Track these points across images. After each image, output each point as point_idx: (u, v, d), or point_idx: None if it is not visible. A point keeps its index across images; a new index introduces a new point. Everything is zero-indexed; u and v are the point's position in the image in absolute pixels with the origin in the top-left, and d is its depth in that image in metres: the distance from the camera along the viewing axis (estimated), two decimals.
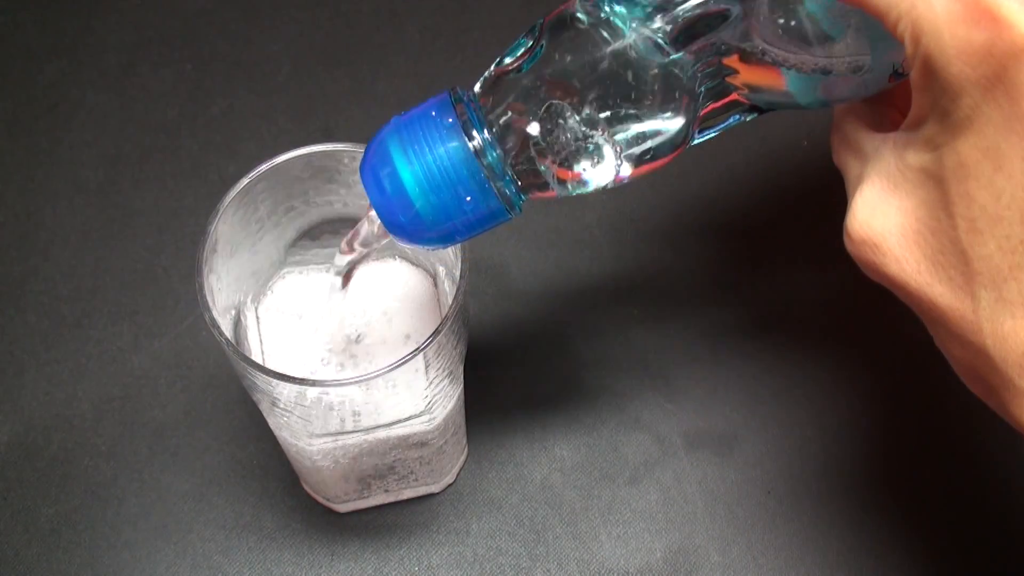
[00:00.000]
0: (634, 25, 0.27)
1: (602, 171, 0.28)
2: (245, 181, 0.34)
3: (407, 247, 0.30)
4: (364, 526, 0.42)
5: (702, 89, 0.28)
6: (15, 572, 0.41)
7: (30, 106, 0.52)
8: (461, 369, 0.37)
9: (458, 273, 0.33)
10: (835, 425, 0.44)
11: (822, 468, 0.43)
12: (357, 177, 0.29)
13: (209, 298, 0.32)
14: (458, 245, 0.32)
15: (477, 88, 0.28)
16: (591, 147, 0.27)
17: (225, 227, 0.34)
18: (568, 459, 0.43)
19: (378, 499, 0.42)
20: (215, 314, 0.32)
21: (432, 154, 0.27)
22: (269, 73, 0.54)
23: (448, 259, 0.37)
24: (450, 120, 0.27)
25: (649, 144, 0.28)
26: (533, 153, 0.27)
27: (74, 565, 0.41)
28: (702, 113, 0.28)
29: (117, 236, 0.49)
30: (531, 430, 0.44)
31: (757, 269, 0.48)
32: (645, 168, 0.28)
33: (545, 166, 0.28)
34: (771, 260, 0.48)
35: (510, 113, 0.27)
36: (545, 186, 0.28)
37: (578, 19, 0.27)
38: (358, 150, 0.34)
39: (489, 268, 0.47)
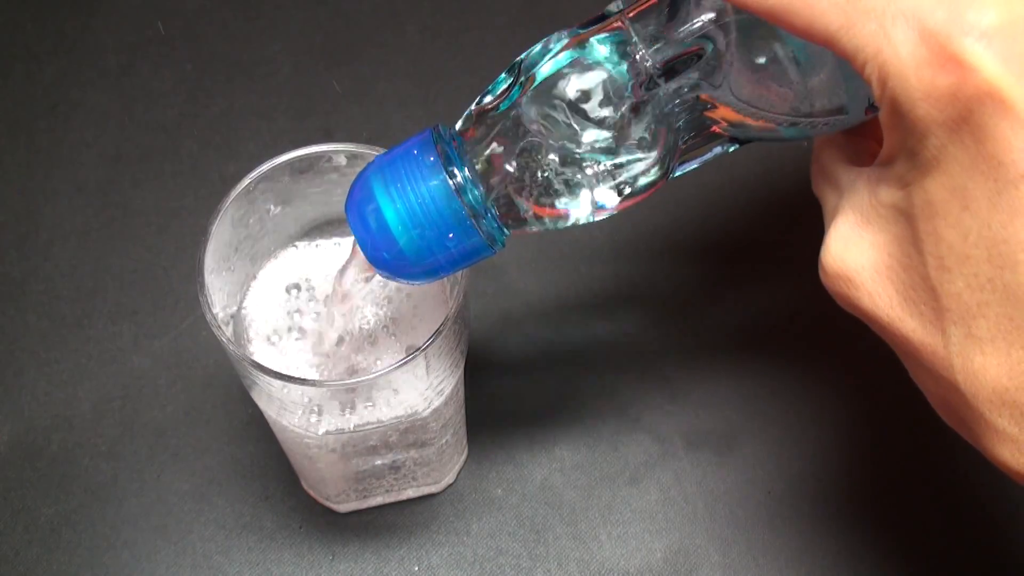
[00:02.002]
0: (611, 64, 0.27)
1: (580, 207, 0.28)
2: (245, 181, 0.34)
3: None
4: (364, 526, 0.42)
5: (680, 123, 0.28)
6: (15, 572, 0.41)
7: (30, 106, 0.52)
8: (461, 369, 0.37)
9: (458, 274, 0.33)
10: (835, 425, 0.44)
11: (822, 468, 0.43)
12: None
13: (209, 298, 0.32)
14: None
15: (459, 126, 0.29)
16: (568, 184, 0.28)
17: (225, 227, 0.34)
18: (568, 459, 0.43)
19: (378, 499, 0.42)
20: (215, 314, 0.32)
21: (414, 192, 0.28)
22: (269, 73, 0.54)
23: None
24: (431, 159, 0.28)
25: (627, 180, 0.28)
26: (512, 190, 0.28)
27: (74, 565, 0.41)
28: (682, 146, 0.29)
29: (117, 236, 0.49)
30: (531, 430, 0.44)
31: (758, 270, 0.48)
32: (626, 203, 0.29)
33: (524, 203, 0.28)
34: (772, 261, 0.48)
35: (489, 151, 0.28)
36: (525, 222, 0.29)
37: (555, 61, 0.27)
38: (358, 150, 0.34)
39: (489, 268, 0.47)
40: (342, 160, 0.34)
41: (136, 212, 0.49)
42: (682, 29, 0.27)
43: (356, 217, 0.29)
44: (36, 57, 0.54)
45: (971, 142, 0.22)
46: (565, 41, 0.28)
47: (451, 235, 0.28)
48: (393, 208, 0.28)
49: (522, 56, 0.28)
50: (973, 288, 0.23)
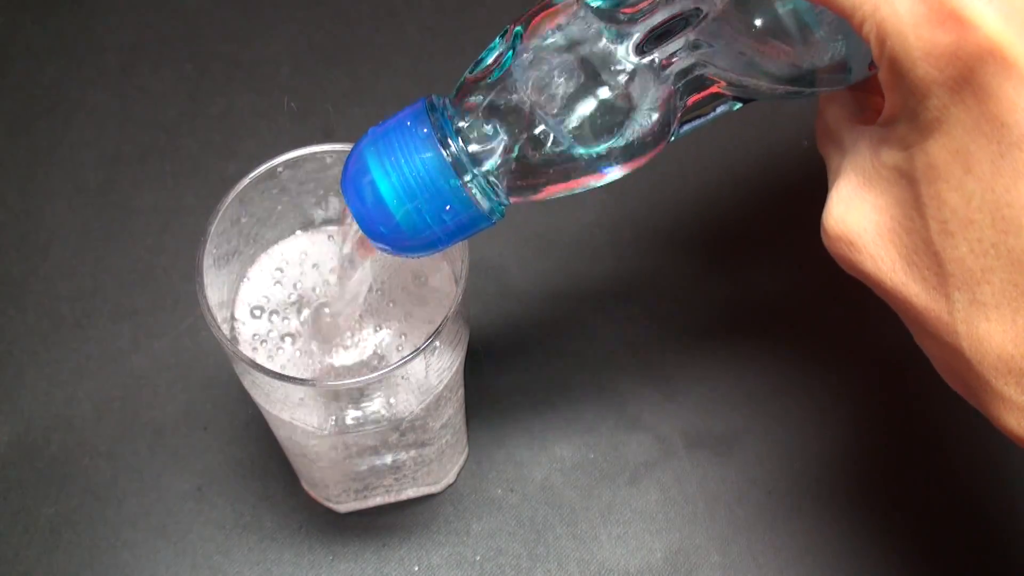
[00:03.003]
0: (605, 26, 0.27)
1: (580, 174, 0.28)
2: (245, 181, 0.34)
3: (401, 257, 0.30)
4: (364, 526, 0.42)
5: (680, 84, 0.27)
6: (15, 572, 0.41)
7: (30, 106, 0.52)
8: (461, 369, 0.37)
9: (458, 273, 0.33)
10: (835, 425, 0.44)
11: (822, 468, 0.43)
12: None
13: (209, 298, 0.32)
14: (460, 245, 0.32)
15: (452, 95, 0.28)
16: (566, 152, 0.27)
17: (225, 227, 0.34)
18: (568, 459, 0.43)
19: (378, 499, 0.42)
20: (215, 314, 0.32)
21: (408, 165, 0.27)
22: (269, 73, 0.54)
23: (451, 259, 0.37)
24: (425, 130, 0.27)
25: (627, 144, 0.27)
26: (509, 159, 0.27)
27: (74, 565, 0.41)
28: (684, 106, 0.28)
29: (117, 236, 0.49)
30: (531, 430, 0.44)
31: (758, 269, 0.48)
32: (628, 165, 0.28)
33: (522, 172, 0.28)
34: (772, 260, 0.48)
35: (484, 120, 0.27)
36: (525, 190, 0.28)
37: (549, 26, 0.27)
38: None
39: (489, 268, 0.47)
40: (342, 160, 0.34)
41: (136, 212, 0.49)
42: None
43: (351, 191, 0.28)
44: (36, 57, 0.54)
45: (973, 103, 0.22)
46: (556, 5, 0.27)
47: (448, 207, 0.27)
48: (388, 181, 0.27)
49: (515, 19, 0.28)
50: (977, 253, 0.23)
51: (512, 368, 0.45)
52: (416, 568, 0.41)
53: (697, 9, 0.26)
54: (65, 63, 0.54)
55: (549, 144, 0.27)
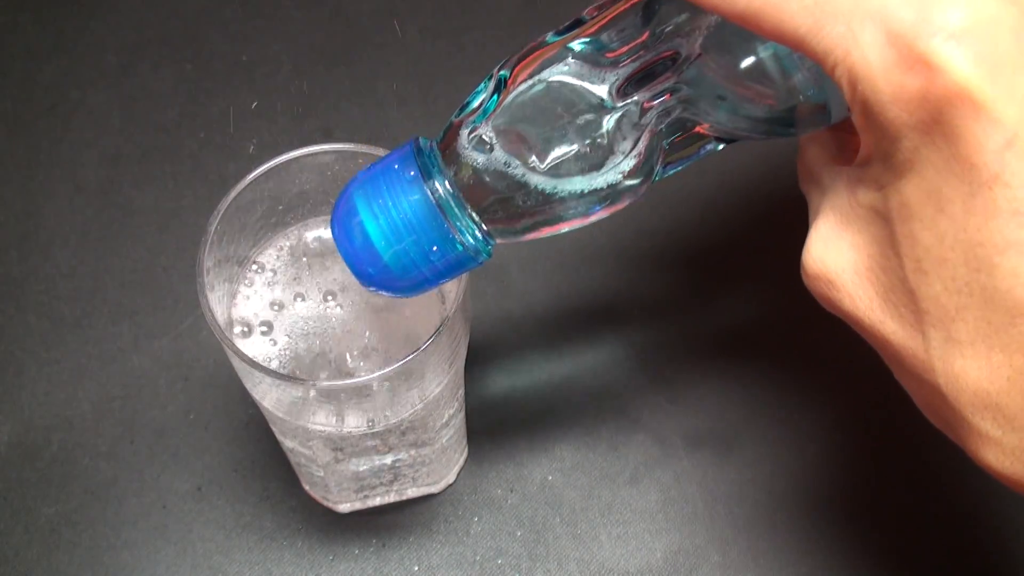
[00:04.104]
0: (586, 71, 0.27)
1: (563, 217, 0.28)
2: (245, 181, 0.34)
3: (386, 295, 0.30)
4: (364, 526, 0.42)
5: (662, 126, 0.28)
6: (15, 572, 0.41)
7: (30, 106, 0.52)
8: (461, 369, 0.37)
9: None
10: (836, 426, 0.44)
11: (822, 468, 0.43)
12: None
13: (209, 298, 0.32)
14: None
15: (440, 138, 0.29)
16: (549, 195, 0.27)
17: (225, 226, 0.34)
18: (568, 459, 0.43)
19: (378, 499, 0.42)
20: (215, 314, 0.32)
21: (396, 208, 0.28)
22: (269, 73, 0.54)
23: None
24: (412, 173, 0.28)
25: (609, 186, 0.28)
26: (493, 203, 0.28)
27: (74, 565, 0.41)
28: (666, 148, 0.29)
29: (117, 236, 0.49)
30: (531, 430, 0.44)
31: (759, 269, 0.48)
32: (612, 208, 0.29)
33: (505, 215, 0.28)
34: (773, 260, 0.48)
35: (469, 163, 0.27)
36: (510, 232, 0.29)
37: (532, 69, 0.27)
38: (358, 150, 0.34)
39: (489, 268, 0.47)
40: (342, 160, 0.34)
41: (136, 212, 0.49)
42: (656, 32, 0.27)
43: (341, 233, 0.29)
44: (36, 57, 0.54)
45: (943, 144, 0.22)
46: (540, 49, 0.27)
47: (434, 248, 0.28)
48: (376, 224, 0.28)
49: (500, 64, 0.28)
50: (951, 291, 0.23)
51: (512, 368, 0.45)
52: (416, 568, 0.41)
53: (677, 53, 0.27)
54: (65, 63, 0.54)
55: (533, 188, 0.27)
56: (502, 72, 0.28)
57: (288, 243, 0.38)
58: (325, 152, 0.34)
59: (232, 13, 0.56)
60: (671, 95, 0.27)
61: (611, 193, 0.28)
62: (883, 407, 0.44)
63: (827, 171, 0.27)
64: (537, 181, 0.27)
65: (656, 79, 0.27)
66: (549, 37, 0.28)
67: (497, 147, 0.27)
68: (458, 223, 0.28)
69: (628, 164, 0.28)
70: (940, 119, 0.22)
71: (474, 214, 0.28)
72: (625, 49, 0.27)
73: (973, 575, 0.41)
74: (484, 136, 0.27)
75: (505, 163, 0.27)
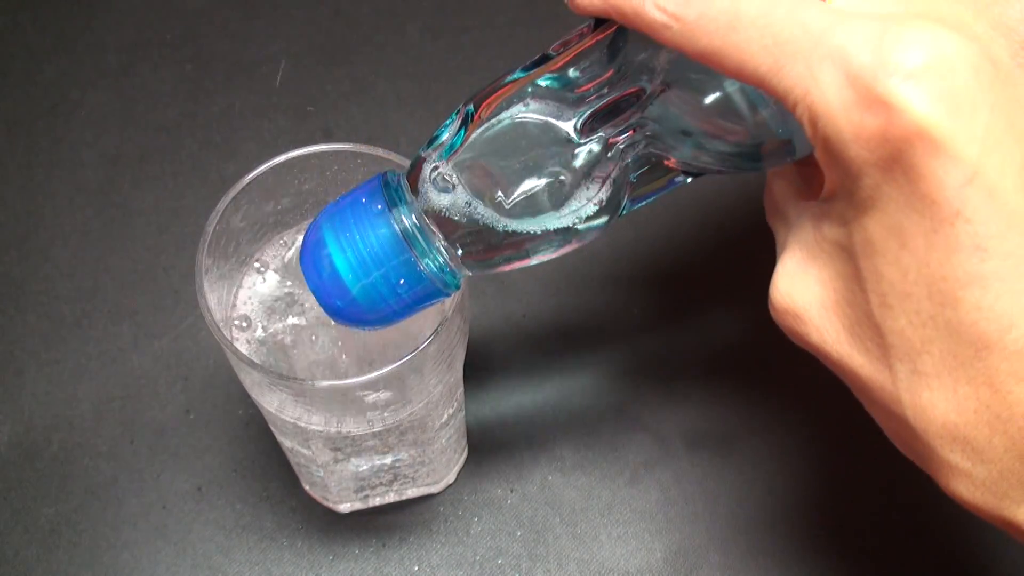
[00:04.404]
0: (552, 108, 0.27)
1: (533, 250, 0.28)
2: (245, 181, 0.34)
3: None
4: (364, 526, 0.42)
5: (629, 160, 0.28)
6: (15, 572, 0.41)
7: (30, 106, 0.52)
8: (461, 369, 0.37)
9: None
10: (835, 425, 0.44)
11: (822, 468, 0.43)
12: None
13: (208, 298, 0.32)
14: None
15: (408, 171, 0.29)
16: (517, 229, 0.27)
17: (224, 227, 0.34)
18: (568, 459, 0.43)
19: (378, 499, 0.42)
20: (214, 314, 0.32)
21: (363, 242, 0.28)
22: (269, 73, 0.54)
23: None
24: (379, 207, 0.28)
25: (576, 222, 0.28)
26: (460, 238, 0.28)
27: (74, 565, 0.41)
28: (634, 182, 0.29)
29: (117, 236, 0.49)
30: (531, 430, 0.44)
31: (758, 268, 0.48)
32: (579, 243, 0.29)
33: (472, 250, 0.28)
34: (772, 259, 0.48)
35: (435, 198, 0.27)
36: (479, 266, 0.29)
37: (497, 105, 0.27)
38: (358, 150, 0.34)
39: None
40: (342, 160, 0.34)
41: (136, 212, 0.49)
42: (621, 69, 0.27)
43: (309, 266, 0.29)
44: (36, 57, 0.54)
45: (904, 182, 0.22)
46: (506, 85, 0.27)
47: (402, 281, 0.28)
48: (344, 257, 0.28)
49: (467, 98, 0.28)
50: (915, 325, 0.23)
51: (512, 368, 0.45)
52: (416, 568, 0.41)
53: (641, 90, 0.27)
54: (65, 63, 0.54)
55: (498, 225, 0.27)
56: (468, 107, 0.28)
57: (288, 243, 0.38)
58: (325, 152, 0.34)
59: (232, 13, 0.56)
60: (636, 131, 0.27)
61: (577, 229, 0.28)
62: None
63: (793, 206, 0.28)
64: (501, 218, 0.27)
65: (621, 115, 0.27)
66: (515, 73, 0.28)
67: (461, 185, 0.27)
68: (425, 257, 0.28)
69: (594, 199, 0.28)
70: (900, 158, 0.22)
71: (442, 247, 0.28)
72: (590, 86, 0.27)
73: (975, 572, 0.41)
74: (446, 174, 0.27)
75: (468, 202, 0.27)
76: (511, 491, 0.43)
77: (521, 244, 0.28)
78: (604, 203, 0.28)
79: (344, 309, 0.29)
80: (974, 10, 0.24)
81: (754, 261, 0.48)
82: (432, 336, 0.31)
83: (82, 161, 0.51)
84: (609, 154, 0.27)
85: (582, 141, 0.27)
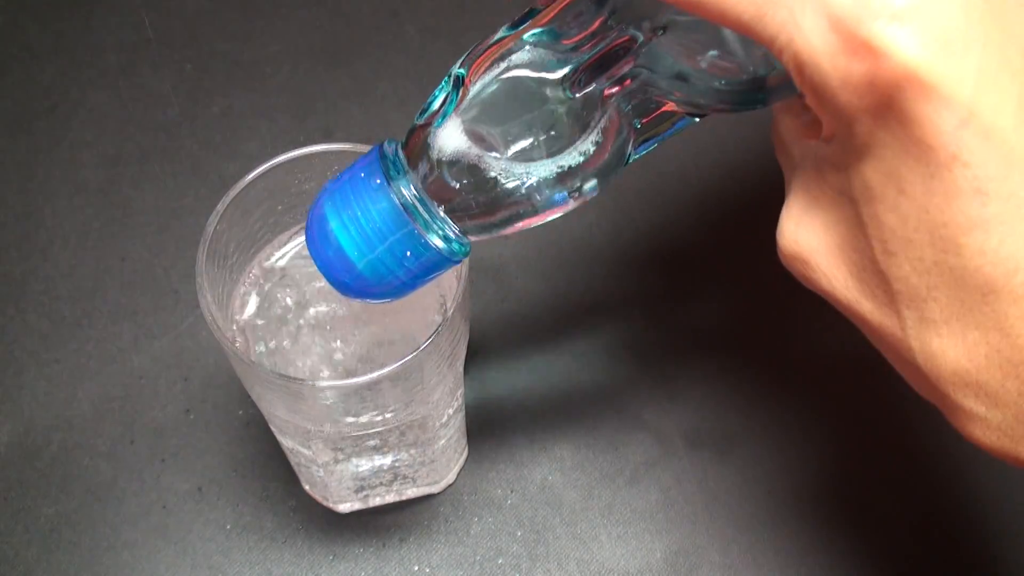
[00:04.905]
0: (543, 63, 0.27)
1: (535, 211, 0.28)
2: (245, 181, 0.34)
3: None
4: (364, 526, 0.42)
5: (629, 108, 0.27)
6: (15, 572, 0.41)
7: (30, 106, 0.52)
8: (461, 369, 0.37)
9: (458, 273, 0.33)
10: (836, 425, 0.44)
11: (822, 467, 0.43)
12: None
13: (208, 298, 0.32)
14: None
15: (403, 141, 0.28)
16: (517, 188, 0.27)
17: (225, 227, 0.34)
18: (568, 459, 0.43)
19: (378, 499, 0.42)
20: (215, 314, 0.32)
21: (365, 217, 0.28)
22: (269, 73, 0.54)
23: None
24: (377, 180, 0.28)
25: (580, 176, 0.28)
26: (463, 200, 0.28)
27: (74, 565, 0.41)
28: (638, 128, 0.28)
29: (117, 236, 0.49)
30: (531, 430, 0.44)
31: (759, 268, 0.48)
32: (581, 198, 0.28)
33: (476, 214, 0.28)
34: (773, 259, 0.48)
35: (434, 166, 0.27)
36: (483, 230, 0.28)
37: (488, 64, 0.27)
38: (359, 150, 0.34)
39: (489, 268, 0.47)
40: (343, 160, 0.34)
41: (136, 212, 0.49)
42: (610, 18, 0.26)
43: (315, 244, 0.29)
44: (36, 57, 0.54)
45: (897, 128, 0.22)
46: (496, 44, 0.27)
47: (408, 253, 0.28)
48: (347, 235, 0.28)
49: (458, 62, 0.28)
50: (920, 272, 0.23)
51: (512, 368, 0.45)
52: (416, 568, 0.41)
53: (631, 39, 0.26)
54: (65, 63, 0.54)
55: (499, 184, 0.27)
56: (459, 70, 0.27)
57: (288, 243, 0.38)
58: (325, 152, 0.34)
59: (232, 13, 0.56)
60: (632, 80, 0.27)
61: (580, 181, 0.28)
62: (883, 406, 0.44)
63: (797, 145, 0.27)
64: (505, 173, 0.27)
65: (614, 64, 0.26)
66: (503, 31, 0.27)
67: (462, 145, 0.27)
68: (428, 227, 0.28)
69: (595, 150, 0.27)
70: (891, 104, 0.21)
71: (444, 215, 0.28)
72: (580, 37, 0.26)
73: (974, 574, 0.41)
74: (447, 135, 0.27)
75: (470, 159, 0.27)
76: (511, 491, 0.43)
77: (525, 201, 0.28)
78: (605, 152, 0.27)
79: (352, 285, 0.29)
80: None
81: (755, 262, 0.48)
82: (432, 336, 0.31)
83: (82, 161, 0.51)
84: (607, 103, 0.27)
85: (576, 95, 0.27)
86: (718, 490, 0.43)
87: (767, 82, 0.26)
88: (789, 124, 0.28)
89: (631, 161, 0.29)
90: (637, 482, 0.43)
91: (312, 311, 0.37)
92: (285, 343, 0.36)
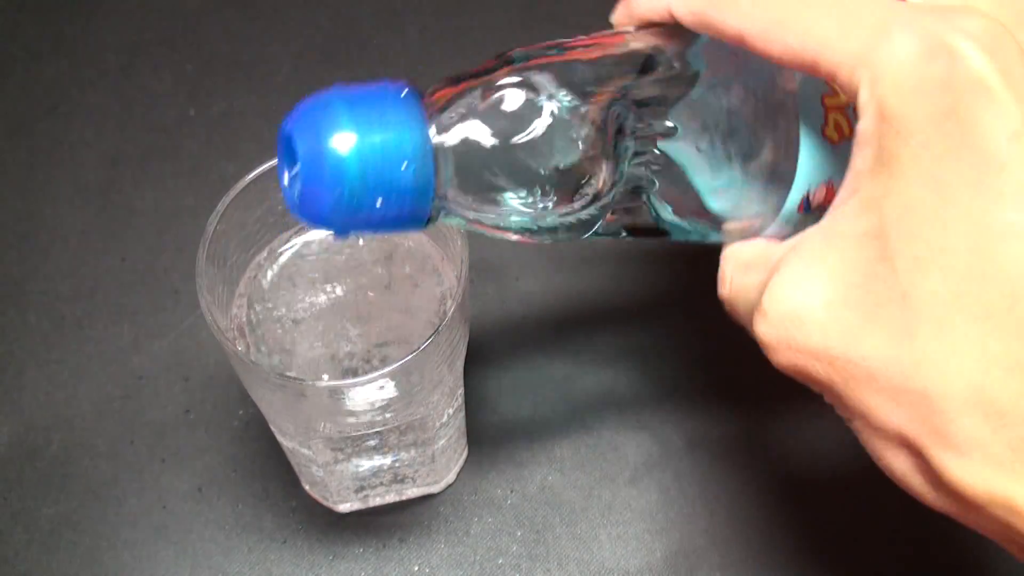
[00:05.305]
0: (563, 102, 0.27)
1: (509, 231, 0.28)
2: (245, 181, 0.34)
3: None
4: (364, 526, 0.42)
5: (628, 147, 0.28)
6: (15, 572, 0.41)
7: (30, 106, 0.52)
8: (461, 369, 0.37)
9: (458, 273, 0.33)
10: (835, 425, 0.44)
11: (823, 467, 0.43)
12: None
13: (208, 298, 0.32)
14: (459, 244, 0.32)
15: (427, 92, 0.28)
16: (509, 214, 0.27)
17: (225, 227, 0.34)
18: (568, 459, 0.43)
19: (378, 499, 0.42)
20: (215, 314, 0.32)
21: (378, 113, 0.25)
22: (269, 73, 0.54)
23: (451, 259, 0.37)
24: (416, 111, 0.26)
25: (560, 231, 0.28)
26: (464, 171, 0.26)
27: (74, 565, 0.41)
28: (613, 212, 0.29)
29: (117, 236, 0.49)
30: (531, 430, 0.44)
31: None
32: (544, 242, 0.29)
33: (466, 203, 0.27)
34: None
35: (453, 134, 0.26)
36: (457, 211, 0.27)
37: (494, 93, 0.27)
38: None
39: (489, 268, 0.47)
40: None
41: (136, 212, 0.49)
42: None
43: (305, 141, 0.26)
44: (36, 57, 0.54)
45: (955, 131, 0.23)
46: (549, 56, 0.27)
47: (405, 164, 0.25)
48: (357, 146, 0.25)
49: (514, 55, 0.28)
50: (949, 281, 0.24)
51: (512, 368, 0.45)
52: (416, 568, 0.41)
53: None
54: (65, 63, 0.54)
55: (502, 204, 0.27)
56: (513, 56, 0.27)
57: (288, 243, 0.38)
58: None
59: (232, 13, 0.56)
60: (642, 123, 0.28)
61: (557, 232, 0.28)
62: None
63: (770, 250, 0.29)
64: (512, 204, 0.27)
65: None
66: (542, 63, 0.27)
67: (470, 128, 0.26)
68: (438, 183, 0.26)
69: (587, 217, 0.28)
70: (956, 106, 0.23)
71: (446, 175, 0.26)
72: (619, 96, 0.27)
73: (974, 574, 0.41)
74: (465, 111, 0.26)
75: (478, 147, 0.26)
76: (511, 491, 0.43)
77: (503, 225, 0.28)
78: (594, 221, 0.29)
79: (324, 208, 0.25)
80: (1015, 18, 0.26)
81: None
82: (432, 336, 0.31)
83: (82, 161, 0.51)
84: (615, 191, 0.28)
85: (590, 152, 0.27)
86: (718, 490, 0.43)
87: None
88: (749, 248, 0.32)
89: (588, 237, 0.29)
90: (637, 482, 0.43)
91: (312, 311, 0.37)
92: (285, 343, 0.36)
